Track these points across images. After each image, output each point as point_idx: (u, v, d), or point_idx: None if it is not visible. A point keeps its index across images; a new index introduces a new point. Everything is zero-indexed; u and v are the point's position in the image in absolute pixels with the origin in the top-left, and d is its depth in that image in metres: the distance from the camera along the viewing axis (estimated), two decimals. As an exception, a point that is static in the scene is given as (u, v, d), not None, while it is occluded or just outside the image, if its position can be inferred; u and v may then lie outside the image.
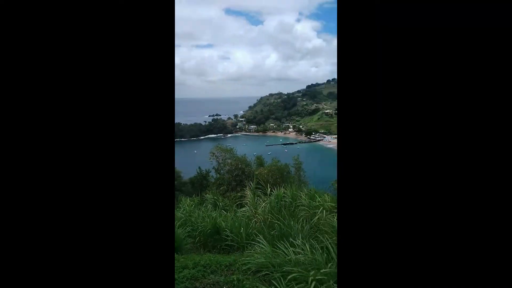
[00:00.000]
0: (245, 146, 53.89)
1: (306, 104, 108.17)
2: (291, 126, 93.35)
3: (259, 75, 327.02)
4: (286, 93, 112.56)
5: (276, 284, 2.12)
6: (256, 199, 4.66)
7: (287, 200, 4.39)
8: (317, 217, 3.59)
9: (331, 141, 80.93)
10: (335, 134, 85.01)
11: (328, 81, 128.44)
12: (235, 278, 2.24)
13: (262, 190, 4.88)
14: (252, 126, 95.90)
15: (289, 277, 2.15)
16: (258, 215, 4.15)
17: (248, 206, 4.54)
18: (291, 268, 2.25)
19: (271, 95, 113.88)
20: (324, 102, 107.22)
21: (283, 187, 4.81)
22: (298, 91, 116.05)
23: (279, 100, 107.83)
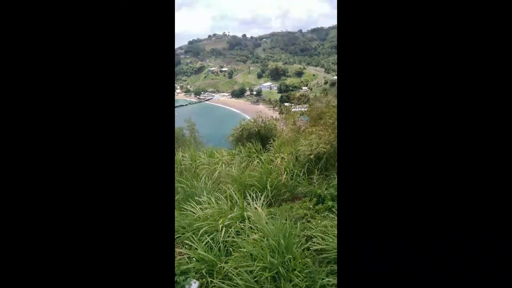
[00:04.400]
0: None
1: (191, 62, 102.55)
2: (179, 87, 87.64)
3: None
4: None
5: (189, 242, 2.20)
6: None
7: (186, 163, 4.35)
8: (217, 171, 3.79)
9: (220, 99, 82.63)
10: (222, 92, 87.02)
11: (210, 36, 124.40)
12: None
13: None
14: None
15: (200, 231, 2.27)
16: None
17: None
18: (200, 224, 2.37)
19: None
20: (208, 59, 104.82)
21: (181, 151, 4.69)
22: (180, 47, 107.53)
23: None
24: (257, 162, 4.02)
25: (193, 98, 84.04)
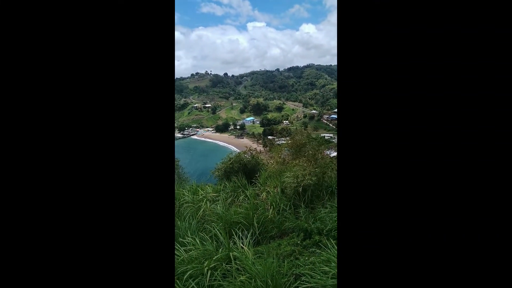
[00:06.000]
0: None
1: (175, 99, 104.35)
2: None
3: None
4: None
5: (172, 289, 2.06)
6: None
7: (169, 201, 4.20)
8: (202, 209, 3.69)
9: (204, 134, 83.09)
10: (206, 127, 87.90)
11: (192, 75, 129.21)
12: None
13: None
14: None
15: (185, 276, 2.14)
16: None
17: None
18: (185, 267, 2.24)
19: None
20: (192, 96, 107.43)
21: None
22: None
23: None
24: (243, 197, 3.98)
25: (177, 134, 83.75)
